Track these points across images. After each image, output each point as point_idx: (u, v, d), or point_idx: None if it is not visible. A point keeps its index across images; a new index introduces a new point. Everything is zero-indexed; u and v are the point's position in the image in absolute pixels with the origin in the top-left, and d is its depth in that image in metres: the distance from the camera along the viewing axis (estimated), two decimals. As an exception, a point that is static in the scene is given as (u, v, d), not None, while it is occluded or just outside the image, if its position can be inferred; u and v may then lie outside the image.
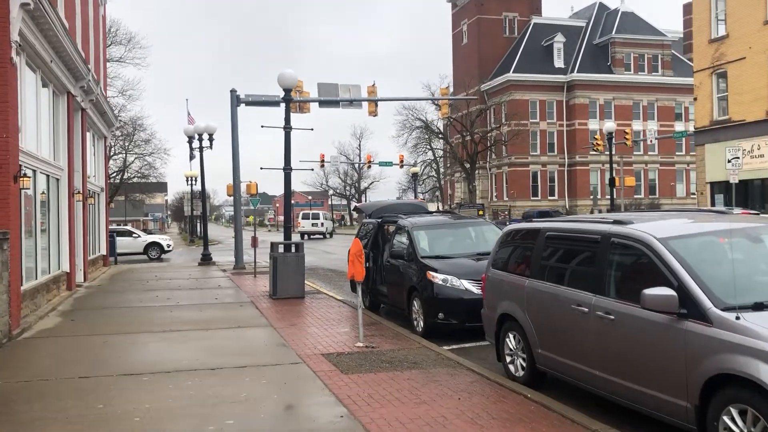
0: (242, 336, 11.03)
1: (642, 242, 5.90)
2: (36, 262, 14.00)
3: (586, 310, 6.38)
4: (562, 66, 73.30)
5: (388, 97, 30.09)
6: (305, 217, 60.59)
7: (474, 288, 10.42)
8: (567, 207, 72.17)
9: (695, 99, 32.70)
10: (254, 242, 21.56)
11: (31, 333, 11.31)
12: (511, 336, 7.93)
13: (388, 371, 8.21)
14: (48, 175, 15.62)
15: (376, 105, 26.89)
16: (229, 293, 17.05)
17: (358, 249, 9.70)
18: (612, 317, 6.04)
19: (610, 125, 33.42)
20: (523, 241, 8.01)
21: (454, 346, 10.16)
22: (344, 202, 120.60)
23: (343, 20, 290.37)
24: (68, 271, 17.10)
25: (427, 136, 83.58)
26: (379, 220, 13.84)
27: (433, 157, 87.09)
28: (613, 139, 33.79)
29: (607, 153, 70.91)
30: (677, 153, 74.38)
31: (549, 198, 74.08)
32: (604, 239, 6.40)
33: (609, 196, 69.51)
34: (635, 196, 72.05)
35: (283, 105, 25.20)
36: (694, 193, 76.72)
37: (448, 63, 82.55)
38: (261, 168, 38.29)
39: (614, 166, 35.49)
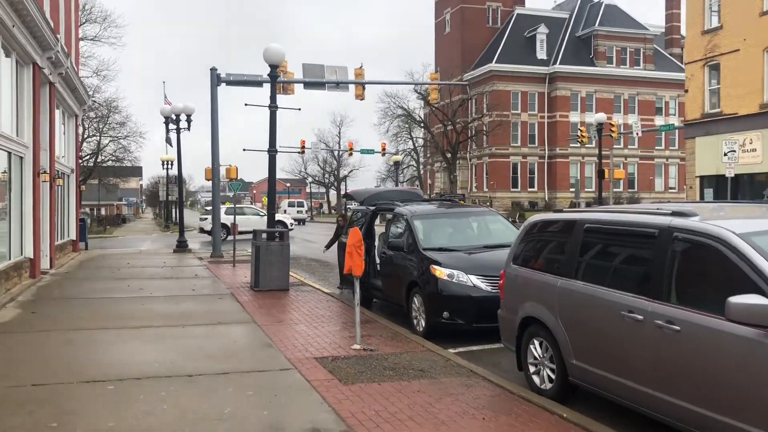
0: (223, 334, 9.90)
1: (717, 239, 4.90)
2: (-7, 248, 12.72)
3: (641, 318, 5.37)
4: (545, 57, 72.78)
5: (375, 80, 28.90)
6: (291, 204, 69.30)
7: (483, 284, 9.40)
8: (546, 199, 71.77)
9: (686, 91, 32.00)
10: (233, 229, 20.34)
11: (-17, 327, 10.07)
12: (536, 343, 6.92)
13: (394, 381, 7.15)
14: (9, 152, 14.26)
15: (364, 88, 25.72)
16: (207, 284, 15.86)
17: (357, 239, 8.61)
18: (676, 327, 5.04)
19: (600, 116, 32.62)
20: (554, 234, 6.99)
21: (461, 349, 9.14)
22: (323, 189, 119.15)
23: (328, 6, 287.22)
24: (32, 257, 15.77)
25: (407, 125, 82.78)
26: (372, 208, 12.75)
27: (413, 147, 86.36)
28: (602, 131, 32.92)
29: (588, 146, 70.78)
30: (657, 147, 74.44)
31: (529, 190, 73.73)
32: (663, 234, 5.40)
33: (596, 189, 69.07)
34: (614, 190, 71.77)
35: (267, 85, 24.08)
36: (673, 188, 76.93)
37: (431, 52, 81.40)
38: (244, 149, 36.84)
39: (600, 158, 34.68)
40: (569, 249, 6.51)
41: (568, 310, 6.36)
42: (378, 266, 12.26)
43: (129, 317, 11.09)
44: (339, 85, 24.75)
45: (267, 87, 24.91)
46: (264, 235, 14.71)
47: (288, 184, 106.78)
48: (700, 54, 30.86)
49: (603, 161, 73.39)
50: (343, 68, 24.92)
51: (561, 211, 7.18)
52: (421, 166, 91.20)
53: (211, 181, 24.12)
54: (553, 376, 6.69)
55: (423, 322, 9.90)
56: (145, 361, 8.02)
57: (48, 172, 18.23)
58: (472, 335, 9.65)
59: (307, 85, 24.53)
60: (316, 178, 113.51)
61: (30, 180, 15.66)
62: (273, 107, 15.57)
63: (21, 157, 15.35)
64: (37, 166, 15.98)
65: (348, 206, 66.92)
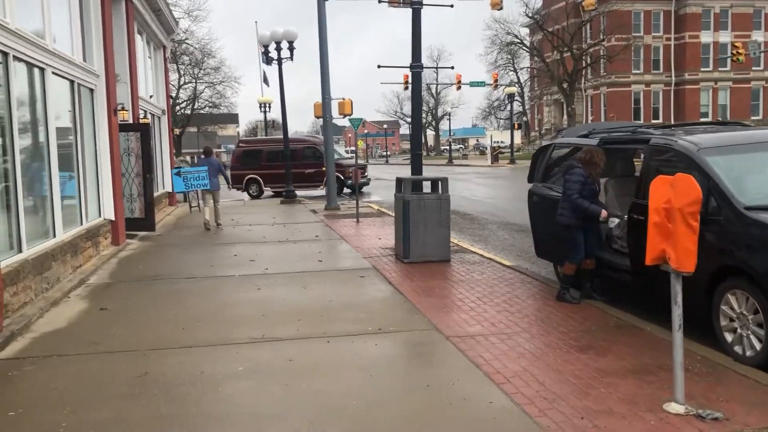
0: (395, 359, 5.88)
1: None
2: (52, 212, 9.16)
3: None
4: (672, -31, 64.17)
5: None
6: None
7: None
8: (674, 132, 64.18)
9: None
10: (356, 176, 16.34)
11: (19, 344, 6.43)
12: None
13: None
14: (73, 81, 10.63)
15: (502, -5, 20.70)
16: (335, 250, 11.97)
17: (691, 200, 4.18)
18: None
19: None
20: None
21: None
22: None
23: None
24: (113, 218, 12.34)
25: (510, 56, 76.60)
26: (593, 142, 8.12)
27: (517, 80, 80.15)
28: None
29: (722, 68, 62.29)
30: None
31: (653, 122, 66.02)
32: None
33: (719, 118, 61.28)
34: (752, 118, 63.21)
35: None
36: (824, 116, 67.10)
37: (539, -31, 73.74)
38: (379, 66, 32.23)
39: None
40: None
41: None
42: (613, 233, 7.87)
43: (240, 316, 7.27)
44: (472, -8, 19.84)
45: (383, 5, 20.52)
46: (411, 186, 10.52)
47: (385, 126, 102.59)
48: None
49: (743, 85, 64.56)
50: (476, -29, 19.96)
51: None
52: (526, 101, 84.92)
53: (321, 118, 20.15)
54: None
55: (756, 343, 5.44)
56: (281, 448, 4.05)
57: (131, 110, 14.74)
58: None
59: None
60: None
61: (105, 119, 12.09)
62: (416, 4, 11.14)
63: (91, 90, 11.75)
64: (112, 101, 12.36)
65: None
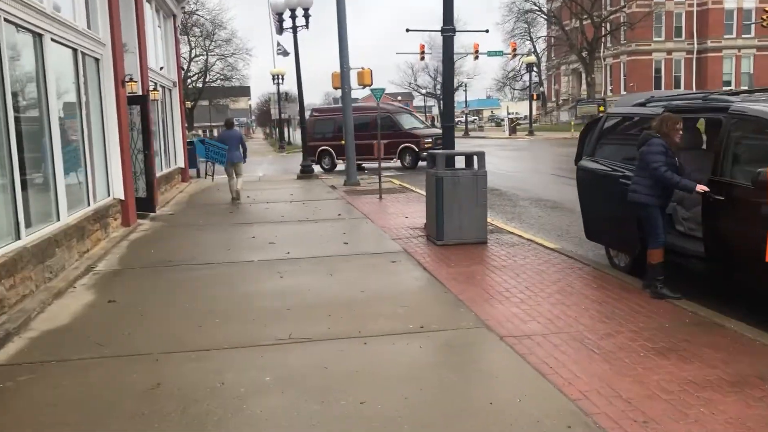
0: (448, 366, 5.06)
1: None
2: (55, 192, 8.39)
3: None
4: (695, -71, 61.97)
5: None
6: None
7: None
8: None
9: None
10: (378, 150, 15.44)
11: (15, 345, 5.67)
12: None
13: None
14: (76, 50, 9.78)
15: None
16: (360, 230, 11.16)
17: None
18: None
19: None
20: None
21: None
22: (431, 102, 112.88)
23: None
24: (123, 198, 11.58)
25: (526, 24, 74.85)
26: (658, 112, 7.16)
27: (533, 50, 78.40)
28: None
29: (746, 35, 60.42)
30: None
31: (674, 91, 64.19)
32: None
33: (747, 86, 59.66)
34: (725, 89, 61.29)
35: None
36: None
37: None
38: (407, 30, 30.91)
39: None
40: None
41: None
42: (679, 214, 7.02)
43: (263, 312, 6.48)
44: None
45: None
46: (444, 161, 9.65)
47: (399, 98, 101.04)
48: None
49: (761, 53, 62.36)
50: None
51: None
52: (543, 71, 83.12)
53: (340, 89, 19.19)
54: None
55: None
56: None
57: (140, 81, 13.89)
58: None
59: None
60: (428, 90, 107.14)
61: (112, 91, 11.26)
62: (449, -38, 10.16)
63: (96, 59, 10.90)
64: (119, 71, 11.51)
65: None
